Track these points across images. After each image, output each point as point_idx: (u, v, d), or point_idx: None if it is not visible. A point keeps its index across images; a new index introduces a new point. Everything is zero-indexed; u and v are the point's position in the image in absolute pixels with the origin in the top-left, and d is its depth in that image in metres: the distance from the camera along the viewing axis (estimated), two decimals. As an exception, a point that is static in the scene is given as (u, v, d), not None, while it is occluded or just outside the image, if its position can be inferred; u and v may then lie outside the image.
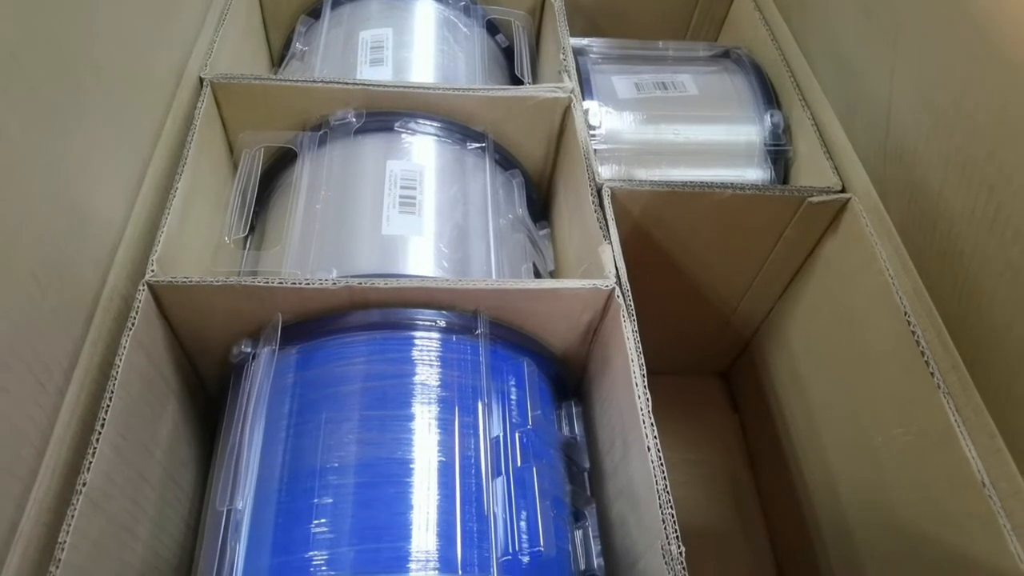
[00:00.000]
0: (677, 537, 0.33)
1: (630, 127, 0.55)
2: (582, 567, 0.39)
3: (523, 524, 0.36)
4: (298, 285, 0.38)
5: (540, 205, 0.58)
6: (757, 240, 0.52)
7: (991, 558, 0.35)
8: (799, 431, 0.54)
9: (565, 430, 0.45)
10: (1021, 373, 0.34)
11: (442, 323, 0.40)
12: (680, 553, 0.33)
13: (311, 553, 0.34)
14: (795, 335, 0.55)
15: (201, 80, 0.48)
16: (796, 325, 0.55)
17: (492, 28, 0.64)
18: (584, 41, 0.60)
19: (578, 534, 0.41)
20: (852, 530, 0.47)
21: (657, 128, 0.55)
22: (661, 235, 0.52)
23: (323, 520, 0.34)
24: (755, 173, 0.55)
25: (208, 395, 0.46)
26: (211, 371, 0.44)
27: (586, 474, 0.45)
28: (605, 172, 0.54)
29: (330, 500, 0.35)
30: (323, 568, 0.33)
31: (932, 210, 0.40)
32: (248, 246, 0.51)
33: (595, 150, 0.54)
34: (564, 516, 0.40)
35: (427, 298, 0.40)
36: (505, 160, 0.54)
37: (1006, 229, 0.34)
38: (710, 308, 0.58)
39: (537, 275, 0.52)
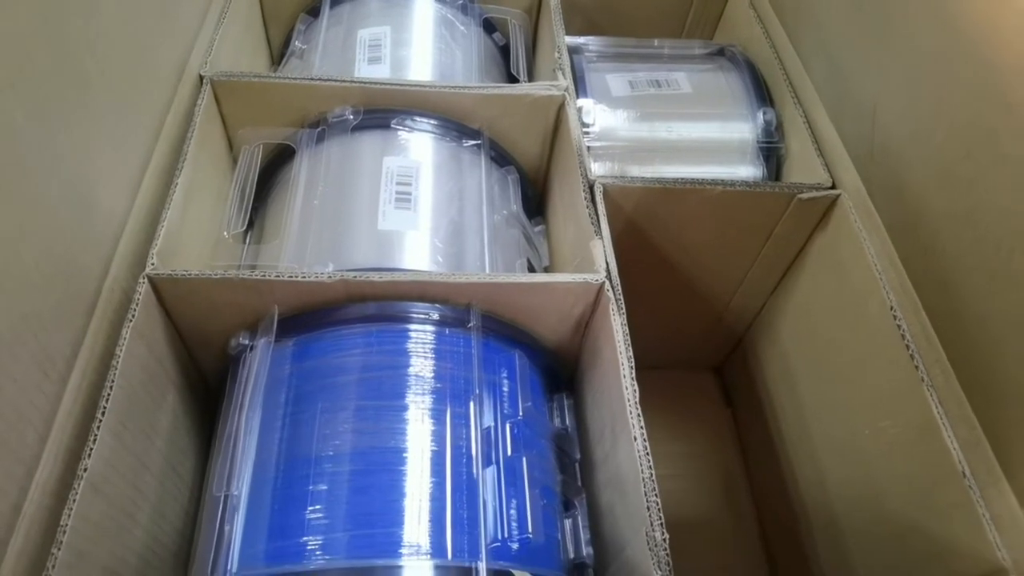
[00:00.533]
0: (661, 524, 0.34)
1: (624, 124, 0.55)
2: (571, 555, 0.40)
3: (513, 512, 0.37)
4: (294, 278, 0.39)
5: (536, 201, 0.59)
6: (748, 236, 0.52)
7: (971, 547, 0.36)
8: (790, 425, 0.55)
9: (557, 421, 0.46)
10: (997, 365, 0.35)
11: (435, 316, 0.41)
12: (664, 539, 0.33)
13: (306, 538, 0.35)
14: (786, 330, 0.56)
15: (201, 77, 0.49)
16: (787, 320, 0.56)
17: (489, 26, 0.64)
18: (580, 39, 0.61)
19: (568, 523, 0.42)
20: (840, 521, 0.48)
21: (651, 125, 0.56)
22: (654, 231, 0.53)
23: (318, 506, 0.35)
24: (747, 170, 0.56)
25: (208, 386, 0.47)
26: (211, 363, 0.45)
27: (577, 464, 0.46)
28: (599, 169, 0.54)
29: (325, 487, 0.36)
30: (318, 552, 0.34)
31: (915, 207, 0.41)
32: (248, 241, 0.52)
33: (589, 147, 0.54)
34: (554, 505, 0.41)
35: (421, 291, 0.41)
36: (501, 157, 0.54)
37: (979, 225, 0.35)
38: (703, 303, 0.59)
39: (532, 270, 0.52)
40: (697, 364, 0.68)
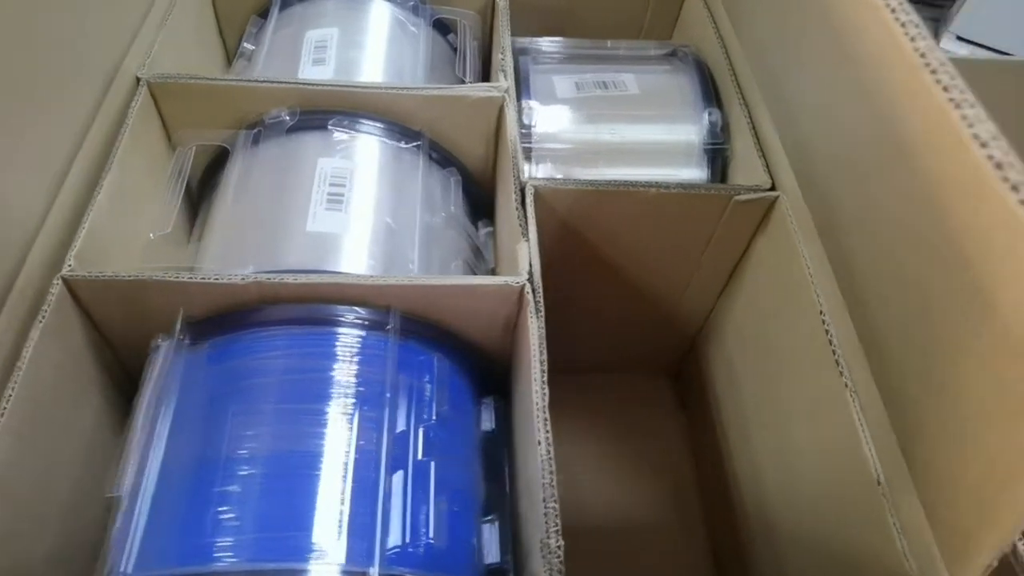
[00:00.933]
0: (557, 531, 0.33)
1: (568, 126, 0.55)
2: (487, 560, 0.40)
3: (420, 517, 0.37)
4: (206, 280, 0.39)
5: (486, 204, 0.59)
6: (688, 239, 0.52)
7: (883, 555, 0.35)
8: (734, 430, 0.54)
9: (486, 425, 0.46)
10: (909, 372, 0.34)
11: (351, 319, 0.41)
12: (558, 547, 0.33)
13: (211, 540, 0.34)
14: (731, 334, 0.55)
15: (138, 79, 0.49)
16: (732, 324, 0.55)
17: (445, 28, 0.64)
18: (532, 41, 0.61)
19: (487, 528, 0.41)
20: (776, 529, 0.47)
21: (596, 127, 0.55)
22: (593, 234, 0.52)
23: (225, 508, 0.35)
24: (693, 172, 0.55)
25: (136, 385, 0.47)
26: (138, 363, 0.45)
27: (507, 469, 0.45)
28: (542, 171, 0.54)
29: (231, 490, 0.36)
30: (223, 554, 0.34)
31: (832, 210, 0.40)
32: (190, 242, 0.52)
33: (532, 149, 0.54)
34: (472, 510, 0.41)
35: (338, 294, 0.41)
36: (444, 159, 0.54)
37: (876, 233, 0.34)
38: (652, 307, 0.59)
39: (475, 272, 0.52)
40: (654, 368, 0.68)
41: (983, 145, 0.22)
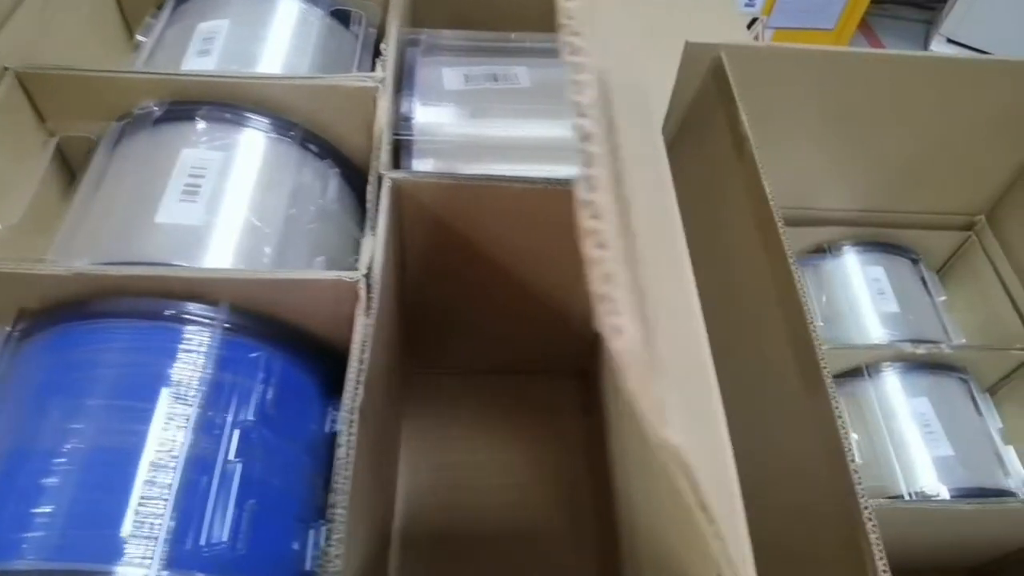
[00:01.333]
0: (340, 539, 0.32)
1: (452, 120, 0.53)
2: (308, 567, 0.38)
3: (220, 520, 0.35)
4: (30, 271, 0.39)
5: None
6: (566, 236, 0.50)
7: (701, 567, 0.33)
8: (618, 436, 0.52)
9: (332, 426, 0.44)
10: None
11: (175, 313, 0.39)
12: (337, 556, 0.32)
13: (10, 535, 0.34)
14: (614, 336, 0.53)
15: (4, 69, 0.49)
16: (615, 326, 0.53)
17: (347, 19, 0.63)
18: (429, 32, 0.59)
19: (314, 533, 0.40)
20: (637, 537, 0.46)
21: (480, 122, 0.53)
22: (473, 231, 0.51)
23: (30, 504, 0.34)
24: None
25: None
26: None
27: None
28: (424, 166, 0.52)
29: (34, 485, 0.35)
30: (20, 552, 0.33)
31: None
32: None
33: (414, 142, 0.53)
34: (294, 514, 0.39)
35: (163, 287, 0.40)
36: (323, 150, 0.53)
37: None
38: (545, 307, 0.57)
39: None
40: (563, 370, 0.66)
41: (582, 115, 0.21)
